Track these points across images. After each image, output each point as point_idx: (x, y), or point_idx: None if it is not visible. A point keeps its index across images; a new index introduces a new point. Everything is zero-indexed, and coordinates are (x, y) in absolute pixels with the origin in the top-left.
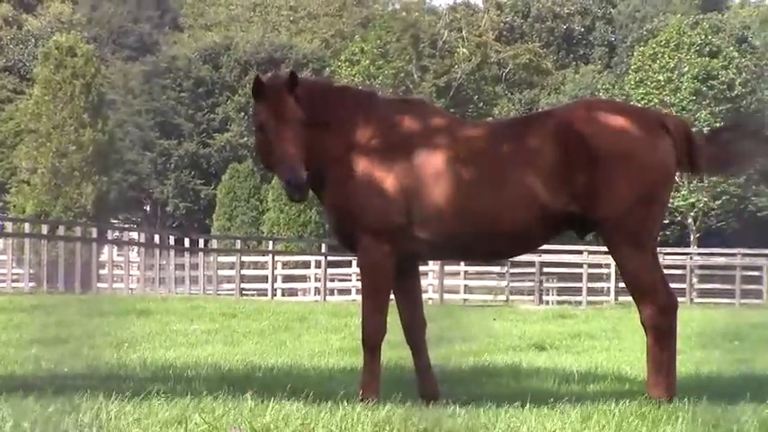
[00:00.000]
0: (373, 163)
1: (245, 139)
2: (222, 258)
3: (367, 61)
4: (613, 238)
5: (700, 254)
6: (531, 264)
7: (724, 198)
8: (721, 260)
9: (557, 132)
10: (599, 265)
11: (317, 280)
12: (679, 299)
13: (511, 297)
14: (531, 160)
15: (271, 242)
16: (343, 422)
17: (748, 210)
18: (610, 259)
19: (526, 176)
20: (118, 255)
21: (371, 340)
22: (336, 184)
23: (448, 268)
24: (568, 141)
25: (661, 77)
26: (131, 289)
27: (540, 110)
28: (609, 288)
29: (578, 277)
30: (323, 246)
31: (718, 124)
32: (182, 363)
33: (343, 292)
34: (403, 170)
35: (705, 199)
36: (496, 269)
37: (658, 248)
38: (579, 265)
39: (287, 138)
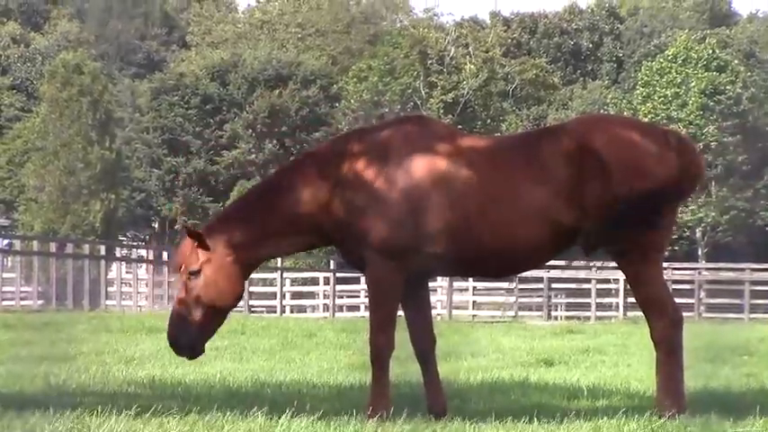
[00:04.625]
0: (379, 182)
1: (253, 156)
2: None
3: (375, 78)
4: (623, 253)
5: (708, 268)
6: (540, 279)
7: (732, 213)
8: (730, 275)
9: (568, 147)
10: (607, 281)
11: (325, 296)
12: (687, 313)
13: (519, 313)
14: (541, 175)
15: (279, 259)
16: None
17: (757, 224)
18: (618, 274)
19: (537, 191)
20: (126, 272)
21: (380, 356)
22: (342, 205)
23: (456, 284)
24: (580, 156)
25: (668, 92)
26: (140, 306)
27: (548, 125)
28: (617, 303)
29: (587, 293)
30: (331, 262)
31: (725, 139)
32: (190, 380)
33: (351, 308)
34: (410, 188)
35: (713, 214)
36: (505, 285)
37: (667, 263)
38: (588, 281)
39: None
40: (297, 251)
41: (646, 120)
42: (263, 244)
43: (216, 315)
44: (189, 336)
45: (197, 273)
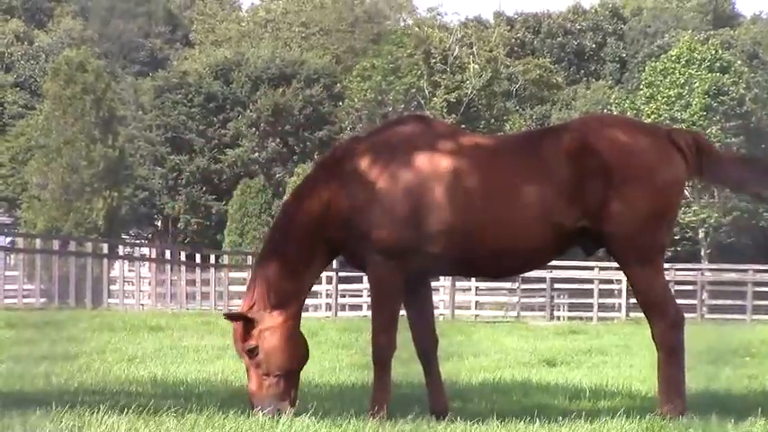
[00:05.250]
0: (380, 182)
1: (257, 154)
2: (233, 274)
3: (378, 77)
4: (625, 254)
5: (710, 269)
6: (542, 279)
7: (735, 213)
8: (732, 276)
9: (570, 147)
10: (610, 281)
11: (327, 296)
12: (690, 314)
13: (522, 313)
14: (543, 175)
15: None
16: None
17: (760, 225)
18: (621, 275)
19: (538, 191)
20: (129, 270)
21: (382, 356)
22: (344, 205)
23: (459, 284)
24: (582, 157)
25: (672, 93)
26: (142, 305)
27: (550, 125)
28: (620, 304)
29: (589, 293)
30: (334, 261)
31: (728, 140)
32: (192, 378)
33: (354, 307)
34: (412, 187)
35: (716, 214)
36: (507, 285)
37: (669, 264)
38: (590, 281)
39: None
40: (322, 270)
41: (649, 120)
42: (302, 287)
43: (292, 376)
44: (274, 405)
45: (255, 349)
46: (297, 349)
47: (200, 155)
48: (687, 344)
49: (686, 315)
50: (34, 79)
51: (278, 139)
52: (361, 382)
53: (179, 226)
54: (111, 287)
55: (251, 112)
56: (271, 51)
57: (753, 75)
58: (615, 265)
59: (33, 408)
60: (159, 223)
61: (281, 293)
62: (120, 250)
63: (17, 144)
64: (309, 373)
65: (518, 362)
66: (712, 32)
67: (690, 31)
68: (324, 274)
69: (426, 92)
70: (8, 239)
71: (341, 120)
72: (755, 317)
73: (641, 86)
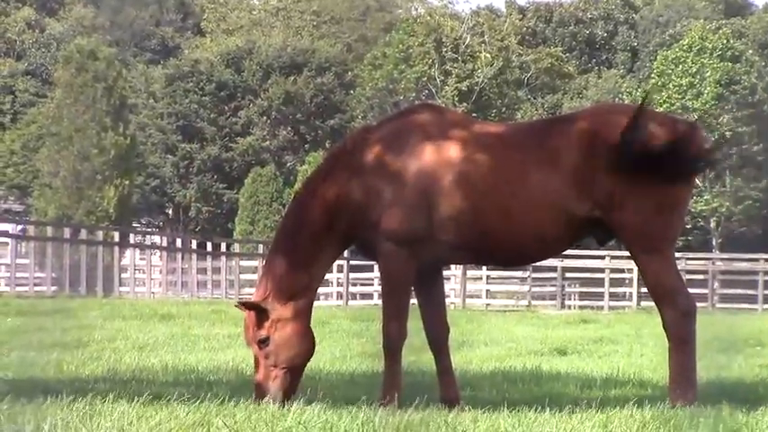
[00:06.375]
0: (391, 171)
1: (268, 142)
2: (244, 262)
3: (390, 65)
4: (635, 244)
5: (722, 259)
6: (554, 268)
7: (746, 203)
8: (744, 265)
9: (580, 137)
10: (621, 270)
11: (338, 284)
12: (701, 304)
13: (533, 302)
14: (553, 164)
15: None
16: (364, 426)
17: None
18: (632, 264)
19: (548, 180)
20: (140, 258)
21: (392, 344)
22: (356, 193)
23: (470, 273)
24: (592, 146)
25: (683, 82)
26: (153, 293)
27: (561, 114)
28: (631, 293)
29: (600, 282)
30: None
31: (740, 129)
32: (203, 367)
33: (365, 296)
34: (423, 176)
35: (727, 204)
36: (519, 274)
37: (681, 253)
38: (601, 270)
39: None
40: (335, 260)
41: (661, 109)
42: (314, 277)
43: (298, 370)
44: (278, 397)
45: (266, 340)
46: (306, 344)
47: (212, 143)
48: (698, 333)
49: (697, 304)
50: (45, 67)
51: (289, 128)
52: (371, 370)
53: (190, 214)
54: (122, 275)
55: (262, 100)
56: (282, 40)
57: (764, 64)
58: (626, 254)
59: (44, 395)
60: (170, 211)
61: (295, 284)
62: (131, 238)
63: (28, 132)
64: (320, 361)
65: (529, 351)
66: (724, 21)
67: (701, 21)
68: (335, 263)
69: (438, 81)
70: (19, 227)
71: (352, 108)
72: (767, 306)
73: (653, 75)
